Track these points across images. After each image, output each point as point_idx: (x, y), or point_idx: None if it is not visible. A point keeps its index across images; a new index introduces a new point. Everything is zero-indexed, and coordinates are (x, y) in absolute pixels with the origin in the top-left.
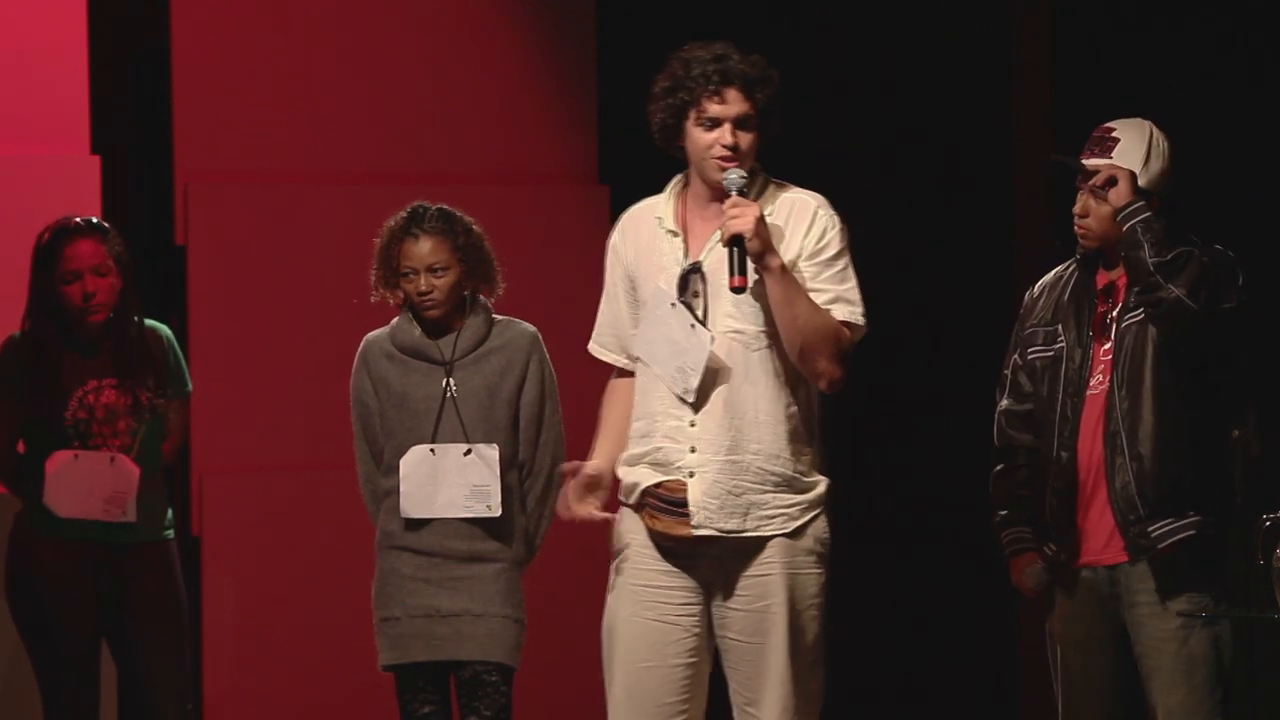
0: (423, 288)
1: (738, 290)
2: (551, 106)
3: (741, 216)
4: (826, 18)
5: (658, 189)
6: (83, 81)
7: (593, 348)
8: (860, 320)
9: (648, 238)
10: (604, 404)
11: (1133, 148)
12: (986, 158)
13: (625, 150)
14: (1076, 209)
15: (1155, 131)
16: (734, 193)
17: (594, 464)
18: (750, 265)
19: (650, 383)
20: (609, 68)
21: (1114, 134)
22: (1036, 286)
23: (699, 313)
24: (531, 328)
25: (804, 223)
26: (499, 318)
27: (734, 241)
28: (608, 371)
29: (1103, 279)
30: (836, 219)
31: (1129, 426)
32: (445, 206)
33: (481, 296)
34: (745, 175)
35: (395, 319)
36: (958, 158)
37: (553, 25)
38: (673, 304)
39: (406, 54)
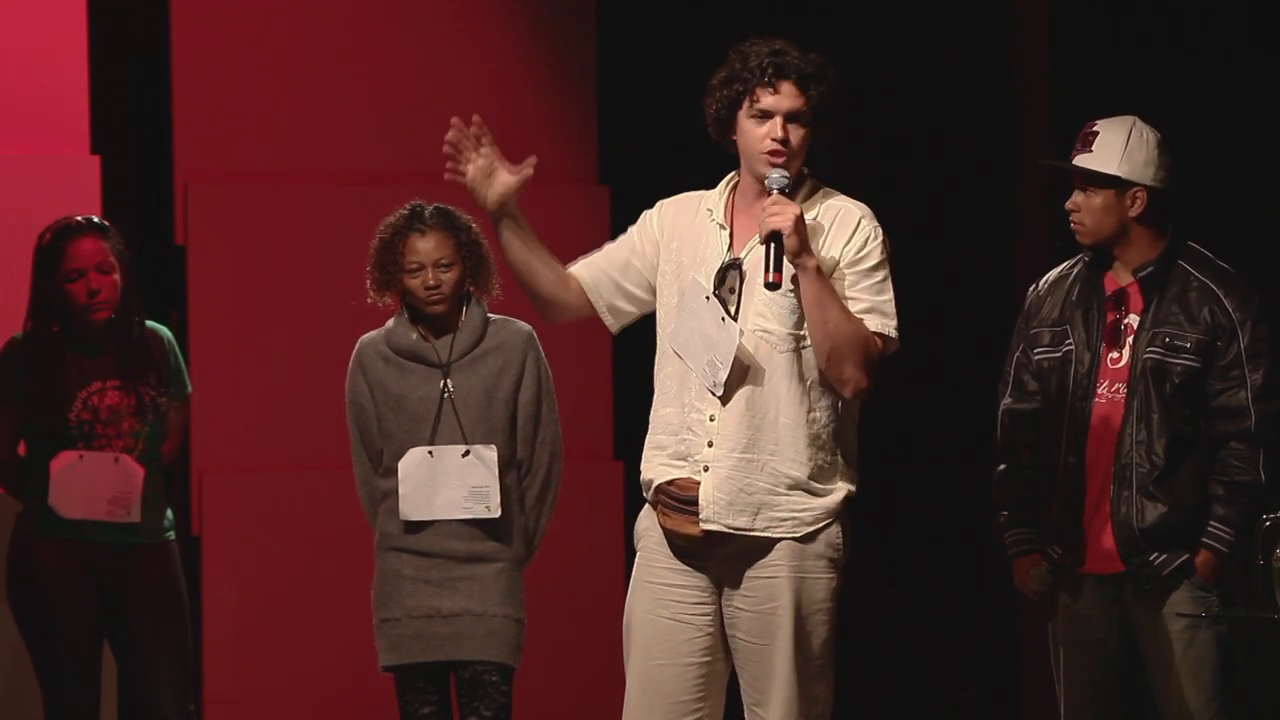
0: (430, 282)
1: (771, 287)
2: (551, 106)
3: (781, 214)
4: (826, 18)
5: (658, 189)
6: (83, 81)
7: (579, 270)
8: (893, 334)
9: (697, 227)
10: None
11: (1112, 141)
12: (986, 158)
13: (625, 150)
14: (1069, 204)
15: (1139, 125)
16: (775, 191)
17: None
18: (786, 264)
19: (684, 374)
20: (609, 68)
21: (1095, 129)
22: (1041, 282)
23: (732, 309)
24: (527, 326)
25: (847, 230)
26: (494, 317)
27: (771, 238)
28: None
29: (1111, 283)
30: (880, 230)
31: (1140, 463)
32: (442, 205)
33: (477, 296)
34: (788, 176)
35: (390, 321)
36: (958, 158)
37: (553, 25)
38: (707, 297)
39: (406, 54)
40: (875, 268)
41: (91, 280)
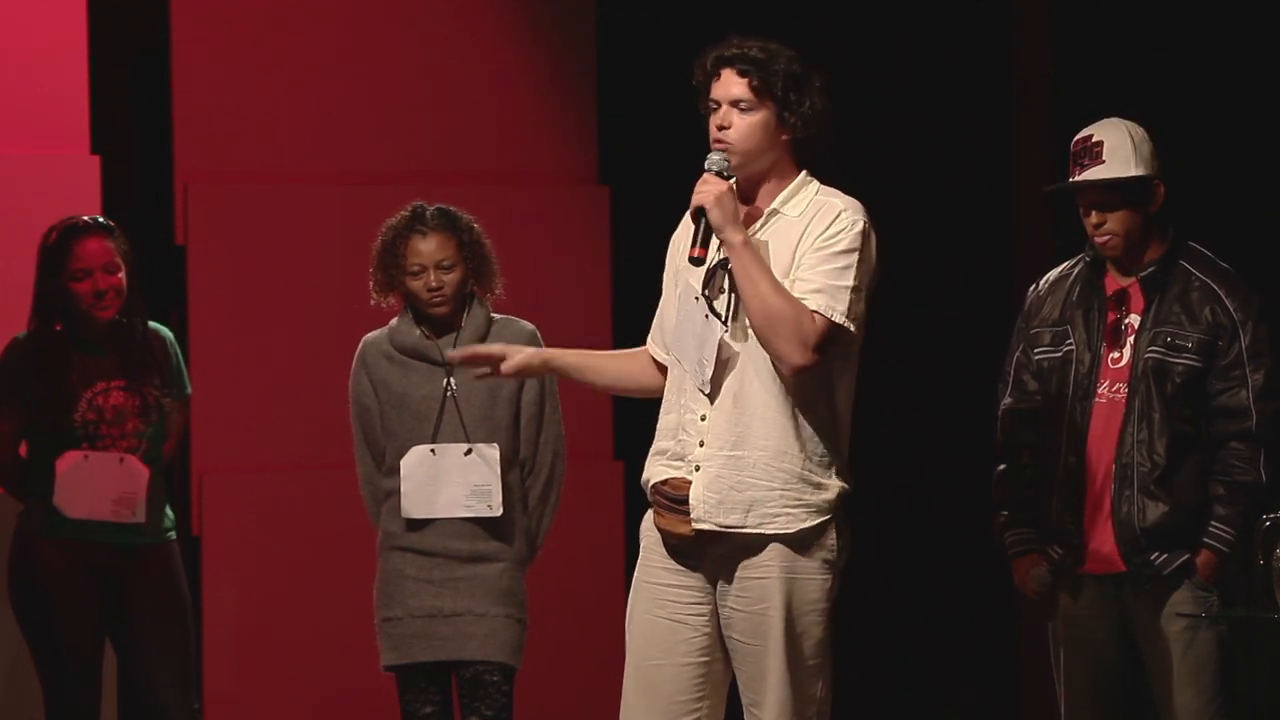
0: (433, 284)
1: (695, 261)
2: (551, 106)
3: (705, 190)
4: (826, 18)
5: (658, 189)
6: (83, 81)
7: (649, 344)
8: (837, 318)
9: (691, 236)
10: None
11: (1118, 145)
12: (986, 158)
13: (625, 150)
14: (1092, 221)
15: (1126, 123)
16: (712, 171)
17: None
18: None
19: (681, 378)
20: (609, 68)
21: (1094, 139)
22: (1041, 282)
23: (722, 306)
24: (530, 325)
25: (826, 219)
26: (497, 316)
27: (698, 214)
28: None
29: (1113, 284)
30: (860, 223)
31: (1141, 462)
32: (444, 205)
33: (479, 295)
34: (728, 159)
35: (393, 320)
36: (958, 158)
37: (553, 25)
38: (696, 297)
39: (406, 54)
40: (841, 253)
41: (98, 280)
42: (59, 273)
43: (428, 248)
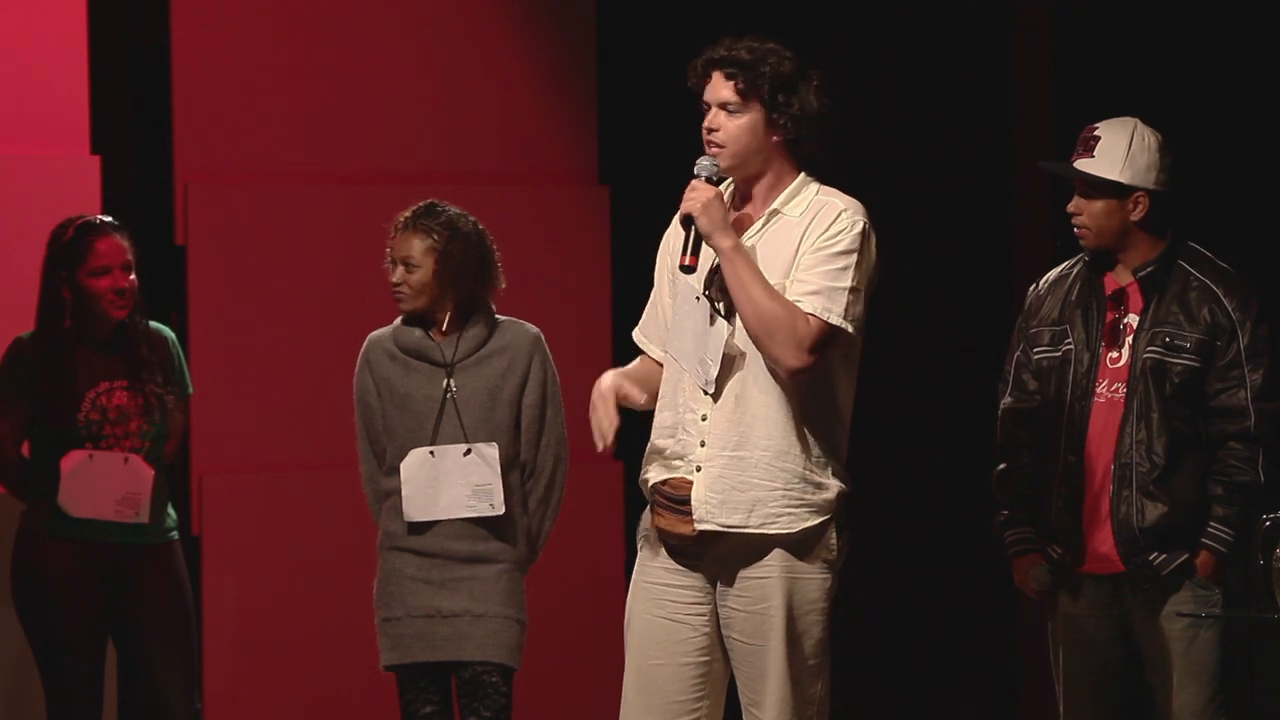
0: (394, 279)
1: (686, 270)
2: (551, 106)
3: (694, 198)
4: (827, 18)
5: (658, 189)
6: (83, 81)
7: (635, 334)
8: (833, 319)
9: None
10: None
11: (1114, 145)
12: (986, 158)
13: (625, 150)
14: (1070, 207)
15: (1140, 128)
16: (701, 177)
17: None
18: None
19: (678, 375)
20: (609, 68)
21: (1096, 133)
22: (1041, 282)
23: (723, 307)
24: (534, 329)
25: (826, 220)
26: (501, 319)
27: (687, 221)
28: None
29: (1111, 283)
30: (860, 224)
31: (1139, 462)
32: (438, 204)
33: (483, 296)
34: (718, 164)
35: (398, 319)
36: (958, 158)
37: (553, 25)
38: (697, 298)
39: (406, 54)
40: (840, 254)
41: (118, 278)
42: (76, 269)
43: (399, 244)
